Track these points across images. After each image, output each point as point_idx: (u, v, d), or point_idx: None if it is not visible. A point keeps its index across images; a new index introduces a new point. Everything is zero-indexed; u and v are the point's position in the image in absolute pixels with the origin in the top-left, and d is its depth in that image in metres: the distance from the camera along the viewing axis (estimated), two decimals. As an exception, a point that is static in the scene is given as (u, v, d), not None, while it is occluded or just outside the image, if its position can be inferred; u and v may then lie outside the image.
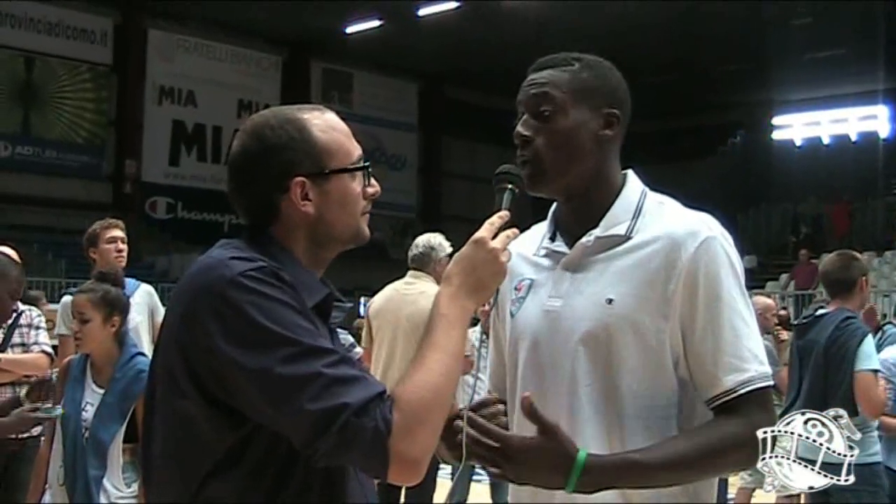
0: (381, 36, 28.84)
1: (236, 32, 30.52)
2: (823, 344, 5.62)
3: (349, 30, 29.15)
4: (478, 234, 2.11)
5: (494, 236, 2.11)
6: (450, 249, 6.72)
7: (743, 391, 2.20)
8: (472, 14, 26.52)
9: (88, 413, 4.65)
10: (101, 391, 4.69)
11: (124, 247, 6.35)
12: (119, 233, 6.33)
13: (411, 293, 6.61)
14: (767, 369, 2.24)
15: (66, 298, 6.18)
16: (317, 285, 2.08)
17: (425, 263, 6.68)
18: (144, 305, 6.50)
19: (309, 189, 2.07)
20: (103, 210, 25.07)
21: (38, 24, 27.50)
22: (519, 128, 2.34)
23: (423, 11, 27.44)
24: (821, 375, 5.63)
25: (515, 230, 2.19)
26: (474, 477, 7.81)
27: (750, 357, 2.22)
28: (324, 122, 2.13)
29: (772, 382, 2.25)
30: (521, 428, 2.38)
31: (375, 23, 28.38)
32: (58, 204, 27.02)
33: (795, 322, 6.20)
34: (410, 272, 6.76)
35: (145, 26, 29.49)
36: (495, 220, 2.15)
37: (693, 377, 2.25)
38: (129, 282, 6.23)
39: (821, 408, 5.71)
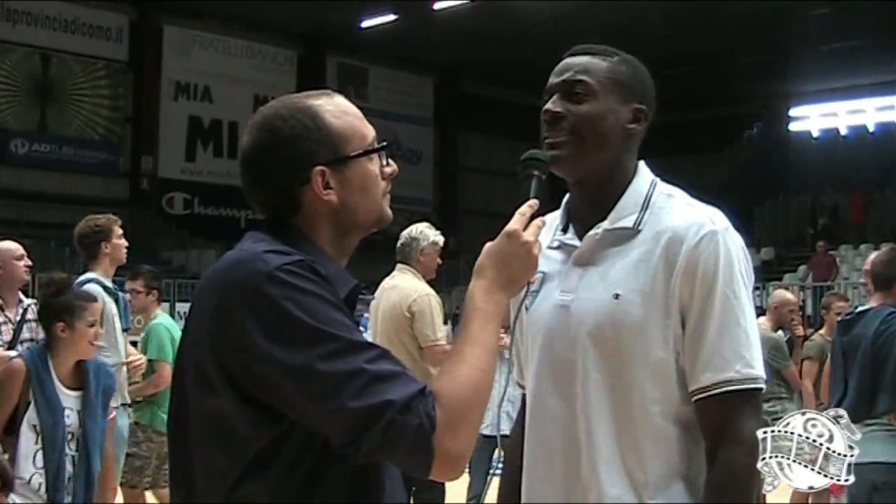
0: (397, 30, 28.81)
1: (251, 28, 30.54)
2: (870, 338, 5.59)
3: (364, 24, 29.12)
4: (510, 227, 2.08)
5: (525, 227, 2.09)
6: (434, 238, 6.60)
7: (717, 391, 2.20)
8: (487, 8, 26.47)
9: (71, 419, 4.63)
10: (75, 393, 4.68)
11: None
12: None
13: (387, 288, 6.52)
14: (754, 372, 2.23)
15: (95, 287, 6.18)
16: (344, 277, 2.03)
17: (407, 254, 6.54)
18: None
19: (329, 177, 2.02)
20: (120, 206, 25.13)
21: (55, 21, 27.56)
22: (549, 105, 2.34)
23: (438, 6, 27.43)
24: (868, 370, 5.58)
25: (544, 219, 2.17)
26: (492, 471, 7.78)
27: (732, 357, 2.21)
28: (335, 107, 2.08)
29: (758, 386, 2.23)
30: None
31: (391, 17, 28.36)
32: (75, 200, 27.02)
33: (839, 319, 6.20)
34: (396, 265, 6.66)
35: (161, 23, 29.52)
36: (525, 209, 2.12)
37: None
38: None
39: (870, 403, 5.71)
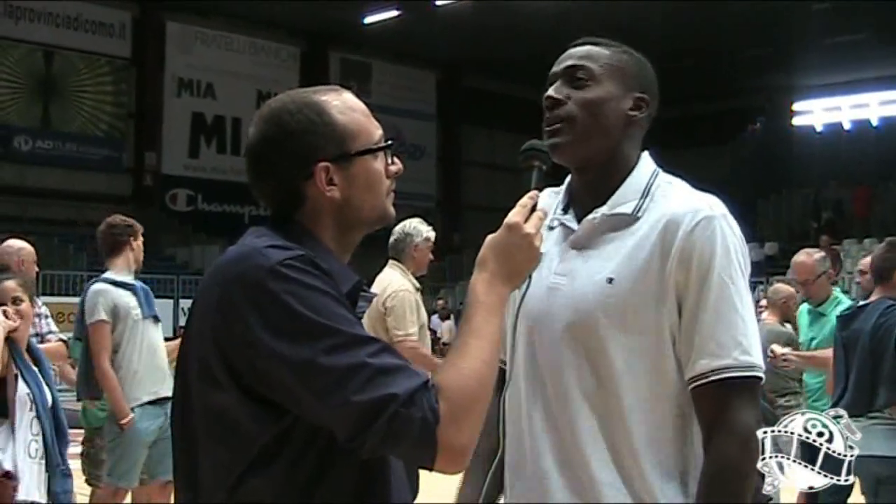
0: (399, 26, 28.81)
1: (255, 24, 30.54)
2: (869, 332, 5.62)
3: (367, 20, 29.12)
4: (511, 219, 2.08)
5: (527, 219, 2.09)
6: (426, 233, 6.61)
7: (715, 378, 2.18)
8: (489, 3, 26.46)
9: (42, 389, 4.84)
10: (36, 369, 4.88)
11: None
12: None
13: (374, 285, 6.55)
14: (752, 359, 2.20)
15: (102, 286, 6.41)
16: (346, 273, 2.03)
17: (400, 251, 6.56)
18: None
19: (334, 173, 2.02)
20: (124, 203, 25.16)
21: (57, 18, 27.58)
22: (550, 91, 2.35)
23: (440, 1, 27.42)
24: (867, 364, 5.61)
25: (545, 209, 2.18)
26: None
27: (730, 344, 2.19)
28: (342, 104, 2.08)
29: (757, 374, 2.21)
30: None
31: (393, 13, 28.36)
32: (79, 197, 27.12)
33: (839, 314, 6.26)
34: (388, 261, 6.65)
35: (163, 19, 29.54)
36: (526, 201, 2.12)
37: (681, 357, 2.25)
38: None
39: (870, 396, 5.77)
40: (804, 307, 6.99)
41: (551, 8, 24.86)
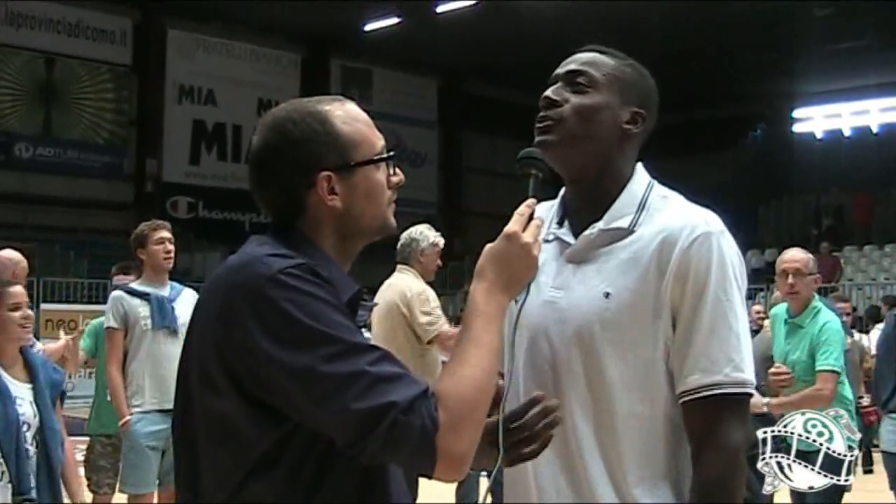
0: (401, 33, 28.80)
1: (255, 31, 30.54)
2: None
3: (368, 27, 29.12)
4: (509, 229, 2.09)
5: (524, 228, 2.10)
6: (433, 238, 6.65)
7: (706, 393, 2.19)
8: (489, 9, 26.48)
9: (24, 408, 4.58)
10: (26, 385, 4.66)
11: (172, 248, 6.69)
12: (167, 234, 6.66)
13: (383, 288, 6.58)
14: (743, 376, 2.21)
15: (118, 293, 6.61)
16: (347, 281, 2.05)
17: (407, 255, 6.62)
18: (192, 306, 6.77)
19: (335, 183, 2.05)
20: (125, 210, 25.19)
21: (58, 25, 27.58)
22: (549, 92, 2.36)
23: (441, 8, 27.42)
24: None
25: (542, 218, 2.18)
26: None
27: (722, 360, 2.20)
28: (345, 114, 2.11)
29: (747, 391, 2.22)
30: (512, 406, 2.38)
31: (394, 20, 28.36)
32: (80, 204, 27.13)
33: (893, 313, 6.26)
34: (397, 266, 6.70)
35: (164, 26, 29.53)
36: (524, 210, 2.13)
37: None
38: (174, 285, 6.76)
39: None
40: (781, 312, 6.69)
41: (552, 14, 24.86)
